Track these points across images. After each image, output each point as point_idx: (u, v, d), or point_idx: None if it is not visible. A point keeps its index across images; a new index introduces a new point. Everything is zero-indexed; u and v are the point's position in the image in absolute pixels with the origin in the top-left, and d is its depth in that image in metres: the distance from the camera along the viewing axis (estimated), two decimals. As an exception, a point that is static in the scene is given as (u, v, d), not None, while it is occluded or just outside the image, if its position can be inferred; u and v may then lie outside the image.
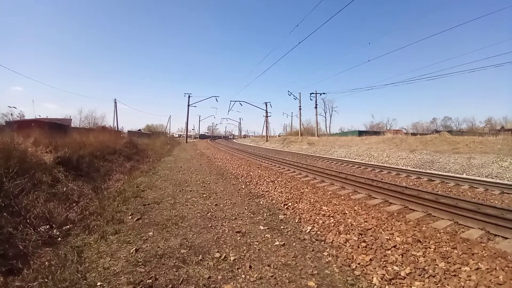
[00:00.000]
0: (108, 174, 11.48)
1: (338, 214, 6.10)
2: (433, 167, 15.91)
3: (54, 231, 5.11)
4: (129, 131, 46.34)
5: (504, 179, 12.11)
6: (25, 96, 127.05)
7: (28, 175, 6.51)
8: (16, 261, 3.98)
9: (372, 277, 3.62)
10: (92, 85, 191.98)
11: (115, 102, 55.58)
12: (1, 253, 4.07)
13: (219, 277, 3.59)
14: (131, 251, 4.25)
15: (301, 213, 6.38)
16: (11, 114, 17.37)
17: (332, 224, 5.53)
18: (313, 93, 45.99)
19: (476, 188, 9.90)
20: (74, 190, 7.82)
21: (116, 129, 42.73)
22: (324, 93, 47.56)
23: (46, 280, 3.39)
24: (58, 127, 17.84)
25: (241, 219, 6.02)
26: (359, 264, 4.00)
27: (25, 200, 5.73)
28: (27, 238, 4.55)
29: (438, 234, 4.96)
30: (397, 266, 3.86)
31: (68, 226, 5.42)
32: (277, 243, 4.74)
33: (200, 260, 4.03)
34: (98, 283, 3.35)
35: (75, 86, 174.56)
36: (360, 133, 45.97)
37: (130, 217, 5.93)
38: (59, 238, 4.87)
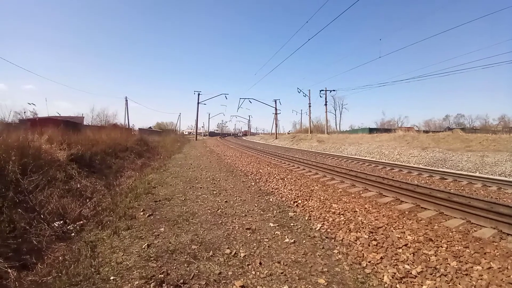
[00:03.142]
0: (120, 171, 11.63)
1: (348, 212, 6.08)
2: (446, 165, 15.68)
3: (68, 226, 5.21)
4: (140, 129, 46.77)
5: (518, 177, 11.87)
6: (37, 94, 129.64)
7: (42, 171, 6.63)
8: (30, 256, 4.07)
9: (383, 275, 3.60)
10: (104, 84, 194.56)
11: (126, 100, 56.08)
12: (16, 248, 4.16)
13: (230, 273, 3.62)
14: (143, 246, 4.32)
15: (311, 211, 6.37)
16: (24, 112, 17.63)
17: (343, 222, 5.52)
18: (323, 90, 45.70)
19: (489, 186, 9.74)
20: (87, 187, 7.95)
21: (127, 126, 43.13)
22: (334, 90, 47.17)
23: (60, 274, 3.47)
24: (71, 124, 18.09)
25: (251, 216, 6.04)
26: (369, 262, 3.99)
27: (39, 196, 5.84)
28: (41, 234, 4.64)
29: (450, 233, 4.93)
30: (408, 264, 3.84)
31: (81, 222, 5.52)
32: (287, 240, 4.75)
33: (210, 256, 4.06)
34: (111, 277, 3.41)
35: (87, 84, 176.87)
36: (371, 130, 45.50)
37: (142, 213, 6.01)
38: (73, 233, 4.97)
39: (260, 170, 12.19)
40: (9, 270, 3.54)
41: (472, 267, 3.70)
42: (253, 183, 9.70)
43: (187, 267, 3.72)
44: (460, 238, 4.69)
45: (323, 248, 4.51)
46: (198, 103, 55.97)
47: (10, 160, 5.96)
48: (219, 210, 6.38)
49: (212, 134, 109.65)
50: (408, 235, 4.77)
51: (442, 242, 4.50)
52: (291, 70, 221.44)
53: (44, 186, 6.28)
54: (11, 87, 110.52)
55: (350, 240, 4.71)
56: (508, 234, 5.06)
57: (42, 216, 5.14)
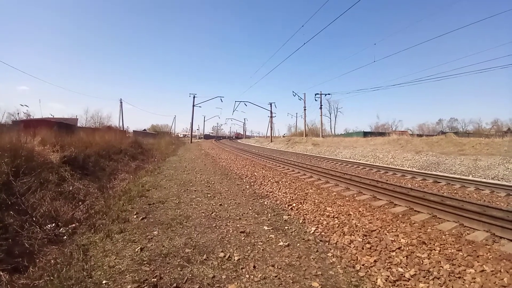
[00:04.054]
0: (113, 173, 11.56)
1: (342, 215, 6.09)
2: (439, 168, 15.80)
3: (60, 229, 5.16)
4: (134, 131, 46.68)
5: (510, 181, 11.98)
6: (31, 96, 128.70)
7: (34, 174, 6.58)
8: (22, 259, 4.02)
9: (377, 279, 3.61)
10: (98, 86, 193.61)
11: (121, 102, 55.93)
12: (7, 251, 4.11)
13: (223, 276, 3.60)
14: (136, 250, 4.28)
15: (306, 214, 6.38)
16: (18, 113, 17.44)
17: (337, 225, 5.53)
18: (318, 93, 45.78)
19: (482, 190, 9.82)
20: (80, 189, 7.88)
21: (122, 128, 42.99)
22: (329, 94, 47.42)
23: (51, 278, 3.43)
24: (65, 126, 17.98)
25: (246, 219, 6.03)
26: (363, 265, 3.99)
27: (31, 199, 5.79)
28: (33, 236, 4.59)
29: (443, 236, 4.95)
30: (401, 267, 3.84)
31: (74, 225, 5.46)
32: (281, 243, 4.74)
33: (204, 259, 4.04)
34: (104, 281, 3.38)
35: (81, 86, 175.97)
36: (365, 134, 45.74)
37: (135, 216, 5.97)
38: (65, 237, 4.92)
39: (255, 173, 12.17)
40: (1, 273, 3.50)
41: (465, 270, 3.72)
42: (247, 186, 9.68)
43: (181, 270, 3.70)
44: (453, 241, 4.71)
45: (317, 251, 4.51)
46: (193, 105, 56.05)
47: (3, 162, 5.90)
48: (213, 213, 6.36)
49: (207, 137, 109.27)
50: (402, 238, 4.78)
51: (435, 245, 4.52)
52: (286, 73, 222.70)
53: (37, 189, 6.22)
54: (5, 88, 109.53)
55: (344, 243, 4.72)
56: (500, 237, 5.09)
57: (34, 218, 5.08)
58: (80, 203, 6.77)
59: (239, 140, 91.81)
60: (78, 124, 32.16)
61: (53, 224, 5.28)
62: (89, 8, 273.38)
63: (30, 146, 8.25)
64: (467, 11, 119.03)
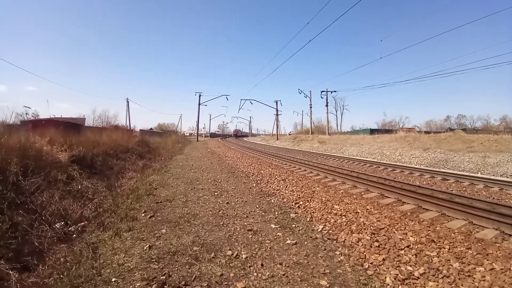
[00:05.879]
0: (121, 172, 11.65)
1: (350, 213, 6.06)
2: (447, 166, 15.64)
3: (69, 227, 5.21)
4: (141, 130, 46.79)
5: (520, 178, 11.82)
6: (38, 96, 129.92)
7: (43, 173, 6.65)
8: (31, 257, 4.07)
9: (385, 277, 3.59)
10: (105, 86, 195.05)
11: (128, 102, 56.16)
12: (17, 250, 4.16)
13: (231, 274, 3.61)
14: (145, 248, 4.31)
15: (313, 212, 6.36)
16: (26, 113, 17.57)
17: (344, 223, 5.50)
18: (324, 91, 45.62)
19: (491, 187, 9.70)
20: (89, 188, 7.96)
21: (129, 128, 43.07)
22: (335, 91, 46.97)
23: (61, 276, 3.47)
24: (72, 126, 18.10)
25: (253, 218, 6.03)
26: (372, 263, 3.97)
27: (40, 198, 5.85)
28: (42, 235, 4.64)
29: (453, 234, 4.90)
30: (410, 266, 3.82)
31: (83, 223, 5.52)
32: (288, 241, 4.74)
33: (212, 257, 4.05)
34: (113, 279, 3.41)
35: (88, 86, 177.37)
36: (372, 131, 45.36)
37: (143, 215, 6.00)
38: (74, 235, 4.97)
39: (261, 171, 12.17)
40: (11, 272, 3.54)
41: (474, 268, 3.69)
42: (254, 184, 9.68)
43: (189, 268, 3.71)
44: (462, 239, 4.67)
45: (325, 249, 4.50)
46: (199, 104, 56.07)
47: (12, 162, 5.97)
48: (221, 212, 6.37)
49: (213, 135, 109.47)
50: (410, 236, 4.75)
51: (445, 243, 4.48)
52: (292, 71, 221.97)
53: (46, 188, 6.29)
54: (12, 89, 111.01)
55: (352, 242, 4.70)
56: (510, 235, 5.03)
57: (43, 217, 5.14)
58: (88, 201, 6.83)
59: (245, 138, 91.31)
60: (86, 124, 32.38)
61: (62, 223, 5.34)
62: (93, 9, 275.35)
63: (39, 145, 8.34)
64: (473, 6, 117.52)
